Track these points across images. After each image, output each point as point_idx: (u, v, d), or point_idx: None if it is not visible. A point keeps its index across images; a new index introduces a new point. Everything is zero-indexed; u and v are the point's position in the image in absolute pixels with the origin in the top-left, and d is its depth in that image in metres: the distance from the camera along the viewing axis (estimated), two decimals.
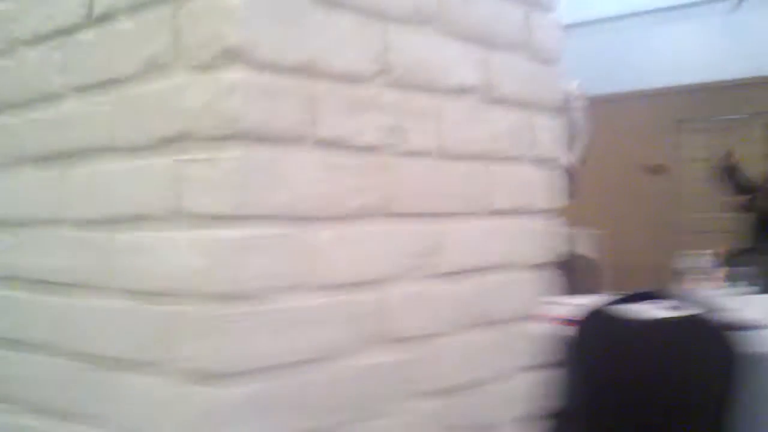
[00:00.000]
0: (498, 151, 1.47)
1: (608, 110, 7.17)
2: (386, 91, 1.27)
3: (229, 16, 1.07)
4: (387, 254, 1.27)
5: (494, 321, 1.45)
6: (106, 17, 1.23)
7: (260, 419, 1.09)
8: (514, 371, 1.47)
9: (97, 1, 1.25)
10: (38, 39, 1.35)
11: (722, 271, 2.70)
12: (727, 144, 5.06)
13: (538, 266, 1.52)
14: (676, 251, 2.94)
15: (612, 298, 1.66)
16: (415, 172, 1.32)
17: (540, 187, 1.56)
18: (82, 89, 1.28)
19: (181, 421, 1.11)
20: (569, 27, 6.82)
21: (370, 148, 1.25)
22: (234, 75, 1.07)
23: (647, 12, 6.60)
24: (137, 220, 1.19)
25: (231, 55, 1.07)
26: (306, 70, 1.16)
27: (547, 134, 1.58)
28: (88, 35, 1.27)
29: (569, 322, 1.66)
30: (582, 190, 5.27)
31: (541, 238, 1.54)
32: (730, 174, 4.54)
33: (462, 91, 1.40)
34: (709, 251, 2.87)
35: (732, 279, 2.72)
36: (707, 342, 1.42)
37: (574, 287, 2.43)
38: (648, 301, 1.61)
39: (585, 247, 4.68)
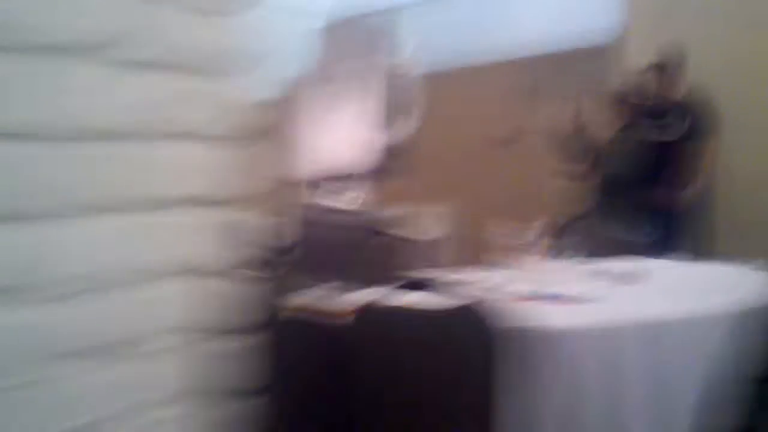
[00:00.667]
0: (144, 125, 1.18)
1: (458, 82, 7.16)
2: None
3: None
4: None
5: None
6: None
7: None
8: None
9: None
10: None
11: (545, 243, 2.62)
12: (574, 113, 5.08)
13: (212, 271, 1.30)
14: (502, 225, 2.84)
15: (389, 289, 1.51)
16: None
17: (201, 171, 1.29)
18: None
19: None
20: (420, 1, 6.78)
21: None
22: None
23: None
24: None
25: None
26: None
27: (213, 105, 1.30)
28: None
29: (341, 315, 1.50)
30: (423, 165, 5.22)
31: (214, 234, 1.30)
32: (575, 138, 4.56)
33: (83, 50, 1.10)
34: (538, 222, 2.78)
35: (558, 250, 2.66)
36: (469, 333, 1.28)
37: (386, 273, 2.30)
38: (421, 289, 1.47)
39: (418, 227, 4.59)
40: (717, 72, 5.08)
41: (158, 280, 1.33)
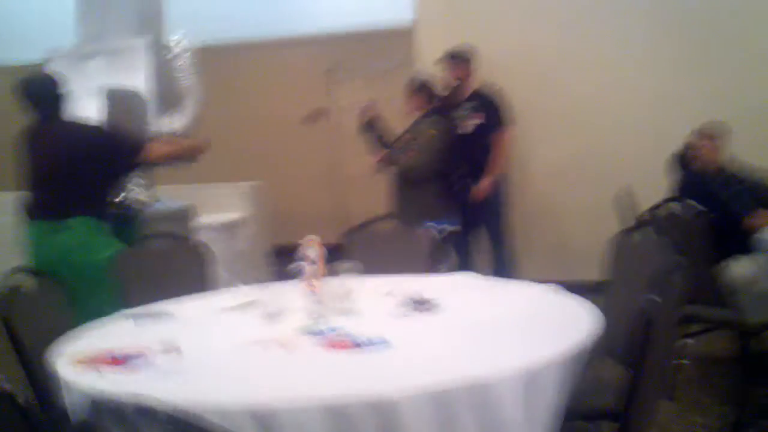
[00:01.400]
0: None
1: (263, 58, 6.79)
2: None
3: None
4: None
5: None
6: None
7: None
8: None
9: None
10: None
11: (325, 262, 2.32)
12: (381, 93, 4.86)
13: None
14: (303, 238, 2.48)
15: None
16: None
17: None
18: None
19: None
20: None
21: None
22: None
23: None
24: None
25: None
26: None
27: None
28: None
29: None
30: (226, 144, 4.83)
31: None
32: (370, 127, 4.35)
33: None
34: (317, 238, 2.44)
35: (336, 271, 2.34)
36: None
37: None
38: None
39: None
40: (505, 65, 5.10)
41: None
